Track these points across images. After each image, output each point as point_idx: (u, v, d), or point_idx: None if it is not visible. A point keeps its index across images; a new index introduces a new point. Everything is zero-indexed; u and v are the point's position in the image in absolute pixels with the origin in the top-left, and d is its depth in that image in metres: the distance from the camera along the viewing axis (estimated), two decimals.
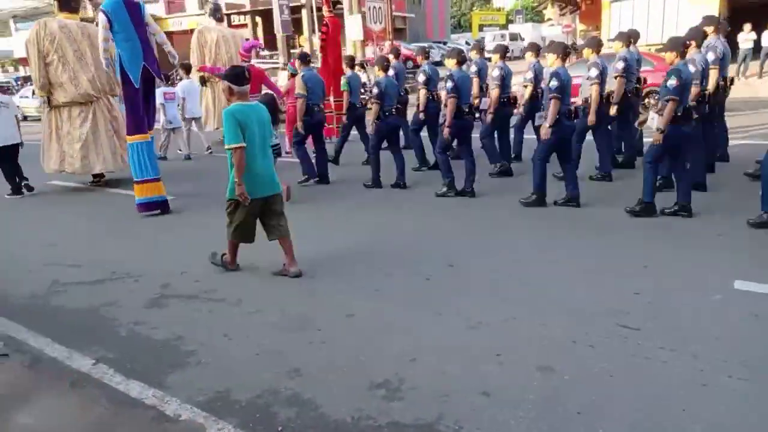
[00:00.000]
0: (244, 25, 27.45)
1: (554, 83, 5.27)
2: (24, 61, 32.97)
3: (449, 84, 5.82)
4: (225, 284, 4.13)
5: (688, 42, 5.16)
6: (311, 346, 3.18)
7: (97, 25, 6.45)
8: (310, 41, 23.14)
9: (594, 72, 6.03)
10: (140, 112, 6.14)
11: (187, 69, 10.08)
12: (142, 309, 3.80)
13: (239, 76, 4.00)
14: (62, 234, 5.80)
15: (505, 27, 34.51)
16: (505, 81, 6.87)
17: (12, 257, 5.14)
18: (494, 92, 6.82)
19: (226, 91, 4.05)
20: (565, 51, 5.55)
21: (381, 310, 3.58)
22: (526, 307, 3.50)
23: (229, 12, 26.31)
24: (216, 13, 11.15)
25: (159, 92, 8.53)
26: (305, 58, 7.13)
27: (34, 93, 9.48)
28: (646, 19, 17.27)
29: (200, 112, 10.30)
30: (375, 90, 6.55)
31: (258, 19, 26.83)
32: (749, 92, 12.92)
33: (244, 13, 26.54)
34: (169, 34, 29.83)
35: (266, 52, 23.74)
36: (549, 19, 25.29)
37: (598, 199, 5.69)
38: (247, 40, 9.86)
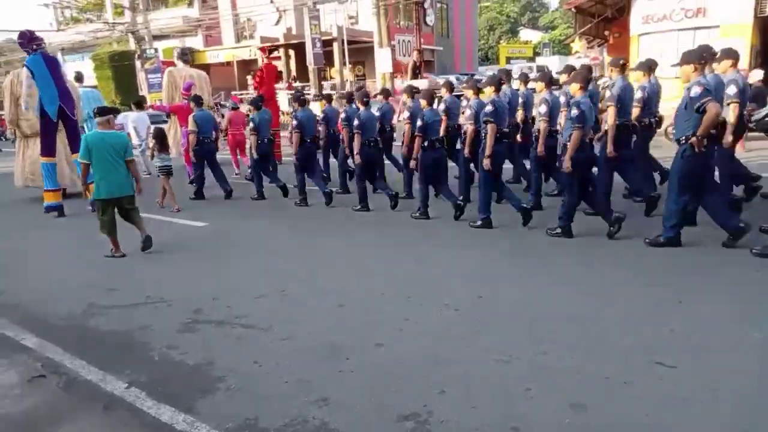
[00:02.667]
0: (278, 58, 28.20)
1: (575, 112, 5.25)
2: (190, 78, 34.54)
3: (488, 108, 5.89)
4: (256, 310, 4.18)
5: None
6: (340, 375, 3.18)
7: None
8: (340, 73, 23.66)
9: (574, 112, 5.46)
10: (51, 140, 8.11)
11: (138, 104, 11.89)
12: (175, 333, 3.86)
13: (101, 111, 5.79)
14: (101, 256, 5.96)
15: (532, 60, 34.72)
16: (552, 114, 6.41)
17: (53, 278, 5.31)
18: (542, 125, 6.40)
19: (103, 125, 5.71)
20: (586, 79, 5.52)
21: (410, 341, 3.56)
22: (557, 340, 3.44)
23: (264, 45, 27.15)
24: (184, 57, 13.13)
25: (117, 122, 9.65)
26: (255, 102, 8.80)
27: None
28: (676, 51, 17.17)
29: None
30: (355, 122, 7.06)
31: (291, 52, 27.55)
32: None
33: (278, 47, 27.31)
34: (207, 66, 30.97)
35: (298, 84, 24.33)
36: (576, 52, 25.34)
37: (627, 231, 5.59)
38: (191, 83, 11.27)
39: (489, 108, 5.91)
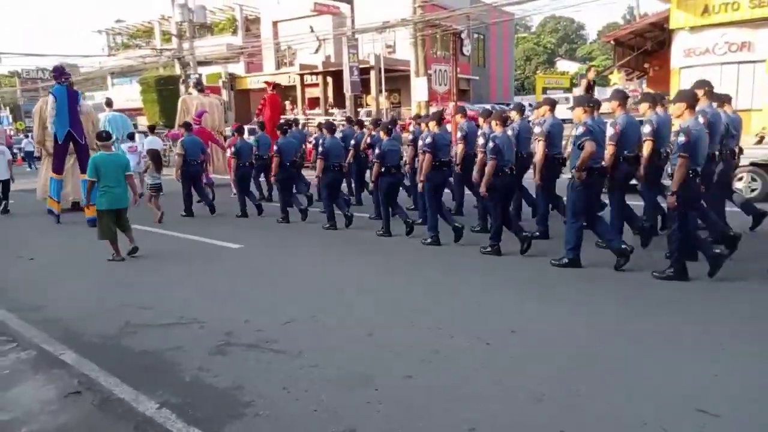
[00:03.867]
0: (316, 85, 28.83)
1: (490, 145, 5.93)
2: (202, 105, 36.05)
3: (489, 144, 6.09)
4: (286, 335, 4.20)
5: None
6: (368, 407, 3.14)
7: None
8: (376, 101, 23.99)
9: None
10: (60, 160, 9.65)
11: (152, 129, 13.00)
12: (206, 355, 3.90)
13: (100, 136, 7.03)
14: (138, 276, 6.11)
15: (569, 90, 34.53)
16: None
17: (90, 295, 5.45)
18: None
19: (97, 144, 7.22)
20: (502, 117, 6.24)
21: (439, 375, 3.51)
22: (592, 381, 3.33)
23: (303, 72, 27.82)
24: (198, 86, 14.76)
25: (125, 146, 11.44)
26: (240, 130, 10.05)
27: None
28: (719, 85, 16.83)
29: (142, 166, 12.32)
30: (320, 149, 8.04)
31: (329, 79, 28.15)
32: None
33: (317, 74, 27.94)
34: (247, 92, 31.82)
35: (335, 110, 24.76)
36: (615, 84, 25.13)
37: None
38: (203, 110, 12.89)
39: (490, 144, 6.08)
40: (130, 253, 6.85)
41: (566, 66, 54.36)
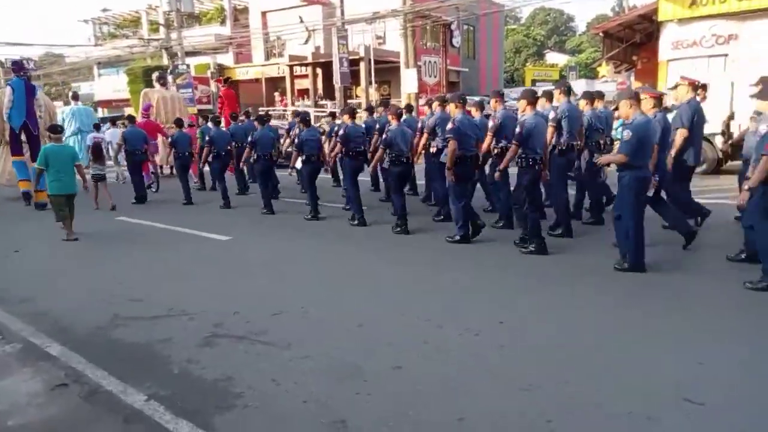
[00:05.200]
0: (305, 76, 28.60)
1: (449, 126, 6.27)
2: (104, 104, 35.65)
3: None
4: (275, 327, 4.19)
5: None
6: (358, 398, 3.15)
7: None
8: (366, 92, 23.89)
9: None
10: (17, 144, 10.34)
11: (130, 119, 12.34)
12: (195, 347, 3.89)
13: (53, 129, 7.70)
14: (126, 268, 6.07)
15: (557, 82, 34.63)
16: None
17: (79, 287, 5.40)
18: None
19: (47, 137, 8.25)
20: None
21: (429, 365, 3.53)
22: (580, 370, 3.36)
23: (292, 63, 27.59)
24: (161, 80, 15.60)
25: (89, 137, 12.12)
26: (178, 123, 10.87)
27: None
28: (708, 77, 16.92)
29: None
30: (296, 141, 8.27)
31: (318, 71, 27.92)
32: None
33: (306, 65, 27.71)
34: (236, 83, 31.54)
35: (326, 102, 24.63)
36: (603, 76, 25.20)
37: (666, 260, 5.48)
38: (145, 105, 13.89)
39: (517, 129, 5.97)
40: (67, 239, 7.41)
41: (556, 58, 54.38)
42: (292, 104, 24.71)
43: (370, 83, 23.92)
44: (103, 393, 3.31)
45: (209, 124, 11.03)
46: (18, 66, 10.52)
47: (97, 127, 12.73)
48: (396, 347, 3.78)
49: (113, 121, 14.17)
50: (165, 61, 23.92)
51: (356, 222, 7.67)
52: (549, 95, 6.81)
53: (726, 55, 11.01)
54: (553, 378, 3.28)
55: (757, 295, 4.51)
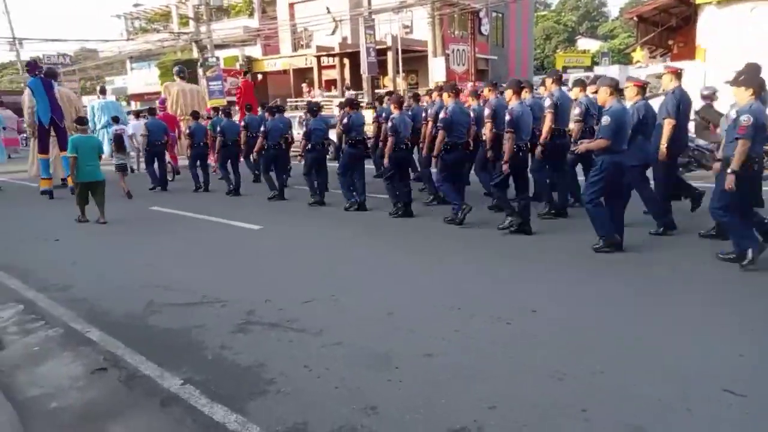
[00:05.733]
0: (333, 66, 28.66)
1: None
2: (136, 97, 36.43)
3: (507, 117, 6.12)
4: (307, 314, 4.23)
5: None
6: (389, 384, 3.16)
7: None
8: (394, 82, 23.79)
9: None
10: (45, 142, 10.78)
11: (151, 112, 12.82)
12: (228, 334, 3.95)
13: (80, 121, 8.41)
14: (160, 257, 6.20)
15: (590, 69, 33.83)
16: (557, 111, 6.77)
17: (115, 275, 5.55)
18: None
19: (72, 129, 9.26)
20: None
21: (460, 353, 3.51)
22: (615, 360, 3.31)
23: (319, 54, 27.66)
24: (180, 73, 16.12)
25: (111, 129, 12.86)
26: (196, 115, 11.36)
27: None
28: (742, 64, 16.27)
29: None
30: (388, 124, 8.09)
31: (345, 61, 27.93)
32: None
33: (333, 55, 27.75)
34: (265, 74, 31.77)
35: (353, 92, 24.64)
36: (638, 62, 24.49)
37: (686, 250, 5.33)
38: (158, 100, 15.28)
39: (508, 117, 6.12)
40: (98, 221, 7.93)
41: (587, 44, 53.15)
42: (321, 95, 24.77)
43: (398, 73, 23.82)
44: (141, 377, 3.40)
45: (221, 115, 11.32)
46: (32, 66, 11.11)
47: (115, 120, 13.37)
48: (426, 335, 3.78)
49: (137, 114, 14.93)
50: (195, 54, 24.26)
51: (349, 207, 8.09)
52: (519, 86, 6.61)
53: None
54: (585, 367, 3.23)
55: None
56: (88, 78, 44.42)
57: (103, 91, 15.66)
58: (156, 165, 11.23)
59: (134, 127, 13.51)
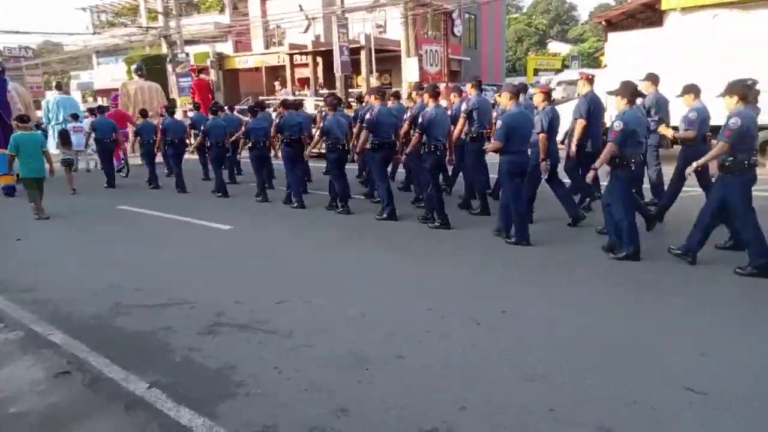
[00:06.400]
0: (305, 65, 28.44)
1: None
2: (103, 93, 35.49)
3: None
4: (278, 316, 4.19)
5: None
6: (360, 386, 3.15)
7: None
8: (367, 81, 23.76)
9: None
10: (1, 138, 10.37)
11: (101, 110, 12.70)
12: (197, 336, 3.89)
13: (20, 118, 8.55)
14: (127, 257, 6.06)
15: (560, 71, 34.39)
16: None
17: (80, 276, 5.40)
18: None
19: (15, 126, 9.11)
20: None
21: (431, 354, 3.52)
22: (583, 360, 3.36)
23: (292, 52, 27.43)
24: (138, 71, 16.74)
25: (70, 126, 12.62)
26: (144, 113, 11.56)
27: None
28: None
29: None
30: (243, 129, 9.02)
31: (319, 59, 27.76)
32: None
33: (306, 53, 27.54)
34: (236, 71, 31.33)
35: (325, 91, 24.50)
36: (606, 65, 25.05)
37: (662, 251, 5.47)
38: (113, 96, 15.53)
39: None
40: (37, 218, 8.09)
41: (558, 47, 54.05)
42: (293, 94, 24.58)
43: (371, 72, 23.79)
44: (105, 380, 3.31)
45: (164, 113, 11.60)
46: None
47: (75, 117, 13.28)
48: (398, 336, 3.78)
49: (92, 112, 14.61)
50: (164, 49, 23.75)
51: (295, 204, 8.27)
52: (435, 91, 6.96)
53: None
54: (555, 368, 3.28)
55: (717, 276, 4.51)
56: (53, 72, 43.14)
57: (58, 87, 15.77)
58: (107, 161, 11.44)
59: (88, 124, 13.46)
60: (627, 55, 11.05)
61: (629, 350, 3.49)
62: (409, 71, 21.25)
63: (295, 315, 4.23)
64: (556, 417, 2.79)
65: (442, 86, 18.57)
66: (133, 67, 17.19)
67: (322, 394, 3.07)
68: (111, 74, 33.87)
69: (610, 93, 5.32)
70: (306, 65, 28.36)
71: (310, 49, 26.68)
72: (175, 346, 3.74)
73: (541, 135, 6.15)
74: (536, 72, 35.21)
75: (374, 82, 23.97)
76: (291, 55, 27.69)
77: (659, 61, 9.42)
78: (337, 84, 24.00)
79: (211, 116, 9.81)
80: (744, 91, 4.61)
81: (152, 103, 15.30)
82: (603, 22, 22.10)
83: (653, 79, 6.99)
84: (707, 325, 3.84)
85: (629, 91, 5.15)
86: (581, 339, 3.68)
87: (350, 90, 23.98)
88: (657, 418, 2.76)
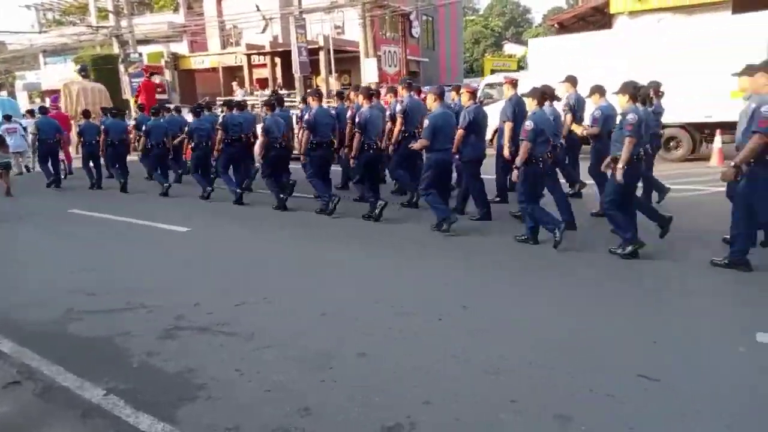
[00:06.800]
0: (264, 65, 28.09)
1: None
2: (51, 93, 34.13)
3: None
4: (238, 317, 4.13)
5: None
6: (323, 385, 3.14)
7: None
8: (326, 82, 23.66)
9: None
10: None
11: (42, 110, 12.41)
12: (155, 340, 3.79)
13: None
14: (81, 261, 5.85)
15: (516, 72, 35.13)
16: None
17: (30, 281, 5.19)
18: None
19: None
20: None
21: (394, 350, 3.55)
22: (542, 352, 3.45)
23: (250, 52, 27.05)
24: (82, 72, 17.25)
25: (3, 127, 12.08)
26: (87, 114, 11.60)
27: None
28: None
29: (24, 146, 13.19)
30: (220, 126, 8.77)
31: (277, 60, 27.45)
32: None
33: (264, 54, 27.21)
34: (192, 72, 30.64)
35: (284, 91, 24.26)
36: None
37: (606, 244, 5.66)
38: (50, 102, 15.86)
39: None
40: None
41: (514, 49, 55.09)
42: (251, 94, 24.23)
43: (330, 72, 23.71)
44: (59, 389, 3.19)
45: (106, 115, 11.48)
46: None
47: (7, 118, 13.01)
48: (360, 334, 3.79)
49: (30, 113, 14.36)
50: (116, 49, 23.05)
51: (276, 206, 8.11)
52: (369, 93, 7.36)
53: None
54: (515, 361, 3.35)
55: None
56: None
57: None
58: (50, 163, 11.19)
59: (29, 126, 13.21)
60: (547, 60, 11.69)
61: (585, 341, 3.60)
62: (368, 72, 21.28)
63: (256, 316, 4.18)
64: (517, 408, 2.85)
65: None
66: (77, 67, 16.97)
67: (285, 395, 3.05)
68: (59, 74, 32.51)
69: (616, 93, 5.37)
70: (264, 66, 28.00)
71: (268, 49, 26.37)
72: (133, 351, 3.64)
73: (459, 131, 6.53)
74: (493, 72, 35.88)
75: (333, 82, 23.91)
76: (249, 56, 27.30)
77: (600, 65, 9.90)
78: (297, 84, 23.81)
79: (152, 117, 10.02)
80: (633, 91, 5.11)
81: (96, 104, 15.11)
82: (556, 25, 22.73)
83: (572, 81, 7.54)
84: (657, 314, 4.00)
85: (538, 94, 5.64)
86: (540, 332, 3.76)
87: (308, 90, 23.77)
88: (612, 404, 2.86)
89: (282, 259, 5.79)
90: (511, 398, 2.93)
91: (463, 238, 6.20)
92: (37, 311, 4.39)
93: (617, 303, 4.26)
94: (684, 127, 10.51)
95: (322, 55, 23.55)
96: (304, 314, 4.18)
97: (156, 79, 20.55)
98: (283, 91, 24.36)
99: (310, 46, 23.26)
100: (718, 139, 10.28)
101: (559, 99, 6.80)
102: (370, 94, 7.15)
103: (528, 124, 5.44)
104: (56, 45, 31.64)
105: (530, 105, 5.66)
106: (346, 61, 25.61)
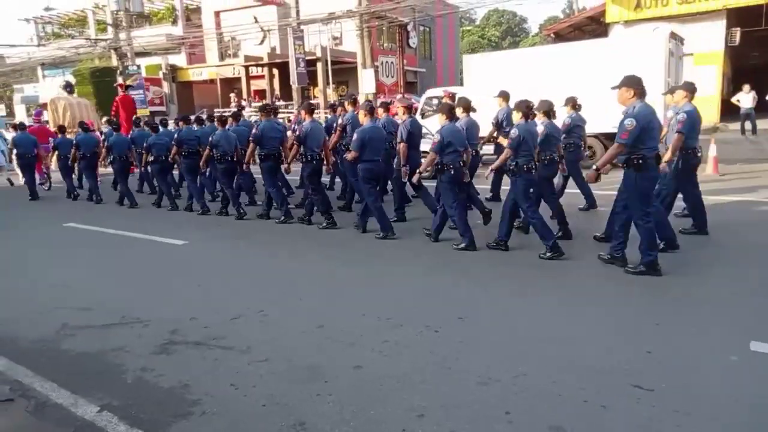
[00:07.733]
0: (261, 77, 28.23)
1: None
2: (45, 106, 34.24)
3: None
4: (234, 332, 4.12)
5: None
6: (318, 398, 3.14)
7: None
8: (324, 93, 23.77)
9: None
10: None
11: (20, 126, 12.53)
12: (150, 355, 3.78)
13: None
14: (76, 276, 5.85)
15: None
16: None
17: (25, 296, 5.18)
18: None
19: None
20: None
21: (389, 363, 3.54)
22: (536, 363, 3.45)
23: (248, 64, 27.19)
24: (67, 88, 17.73)
25: None
26: (62, 130, 11.92)
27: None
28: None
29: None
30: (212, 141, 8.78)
31: (275, 71, 27.60)
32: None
33: (262, 65, 27.36)
34: (190, 83, 30.77)
35: (282, 103, 24.37)
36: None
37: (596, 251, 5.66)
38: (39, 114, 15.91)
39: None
40: None
41: None
42: (249, 105, 24.33)
43: (328, 84, 23.83)
44: (52, 406, 3.18)
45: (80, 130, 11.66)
46: None
47: None
48: (356, 347, 3.79)
49: (14, 127, 14.74)
50: (114, 61, 23.15)
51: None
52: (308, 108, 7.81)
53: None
54: (510, 371, 3.34)
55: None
56: None
57: None
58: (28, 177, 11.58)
59: (11, 140, 13.53)
60: (480, 75, 12.59)
61: (581, 351, 3.59)
62: (366, 83, 21.38)
63: (252, 330, 4.17)
64: (512, 419, 2.84)
65: (398, 97, 18.73)
66: (61, 84, 17.55)
67: (280, 409, 3.04)
68: (58, 87, 32.74)
69: (513, 109, 5.92)
70: (262, 77, 28.16)
71: (266, 61, 26.52)
72: (127, 366, 3.63)
73: (401, 144, 6.89)
74: None
75: (331, 93, 24.02)
76: (246, 67, 27.45)
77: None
78: (294, 96, 23.91)
79: (191, 127, 9.84)
80: (525, 110, 5.64)
81: (83, 118, 15.17)
82: (552, 35, 22.89)
83: (504, 95, 8.04)
84: (652, 324, 3.99)
85: (446, 109, 6.22)
86: (534, 343, 3.76)
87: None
88: (606, 415, 2.86)
89: (280, 273, 5.79)
90: (506, 410, 2.92)
91: (446, 245, 6.21)
92: (32, 327, 4.38)
93: (610, 313, 4.26)
94: (597, 136, 11.23)
95: (319, 66, 23.69)
96: (300, 327, 4.18)
97: (149, 92, 20.98)
98: (281, 102, 24.50)
99: (308, 57, 23.41)
100: (713, 148, 10.33)
101: (475, 110, 7.33)
102: (311, 109, 7.68)
103: (436, 137, 6.00)
104: (55, 58, 31.80)
105: (441, 119, 6.16)
106: (343, 71, 25.77)
